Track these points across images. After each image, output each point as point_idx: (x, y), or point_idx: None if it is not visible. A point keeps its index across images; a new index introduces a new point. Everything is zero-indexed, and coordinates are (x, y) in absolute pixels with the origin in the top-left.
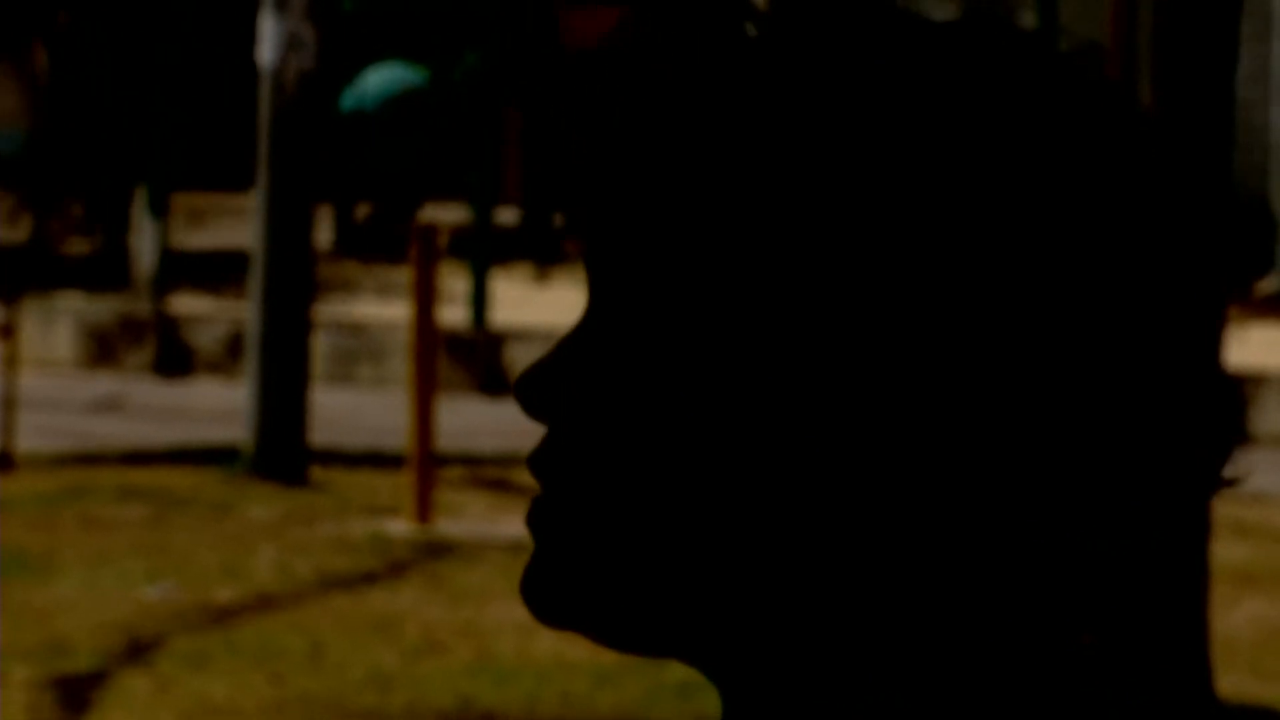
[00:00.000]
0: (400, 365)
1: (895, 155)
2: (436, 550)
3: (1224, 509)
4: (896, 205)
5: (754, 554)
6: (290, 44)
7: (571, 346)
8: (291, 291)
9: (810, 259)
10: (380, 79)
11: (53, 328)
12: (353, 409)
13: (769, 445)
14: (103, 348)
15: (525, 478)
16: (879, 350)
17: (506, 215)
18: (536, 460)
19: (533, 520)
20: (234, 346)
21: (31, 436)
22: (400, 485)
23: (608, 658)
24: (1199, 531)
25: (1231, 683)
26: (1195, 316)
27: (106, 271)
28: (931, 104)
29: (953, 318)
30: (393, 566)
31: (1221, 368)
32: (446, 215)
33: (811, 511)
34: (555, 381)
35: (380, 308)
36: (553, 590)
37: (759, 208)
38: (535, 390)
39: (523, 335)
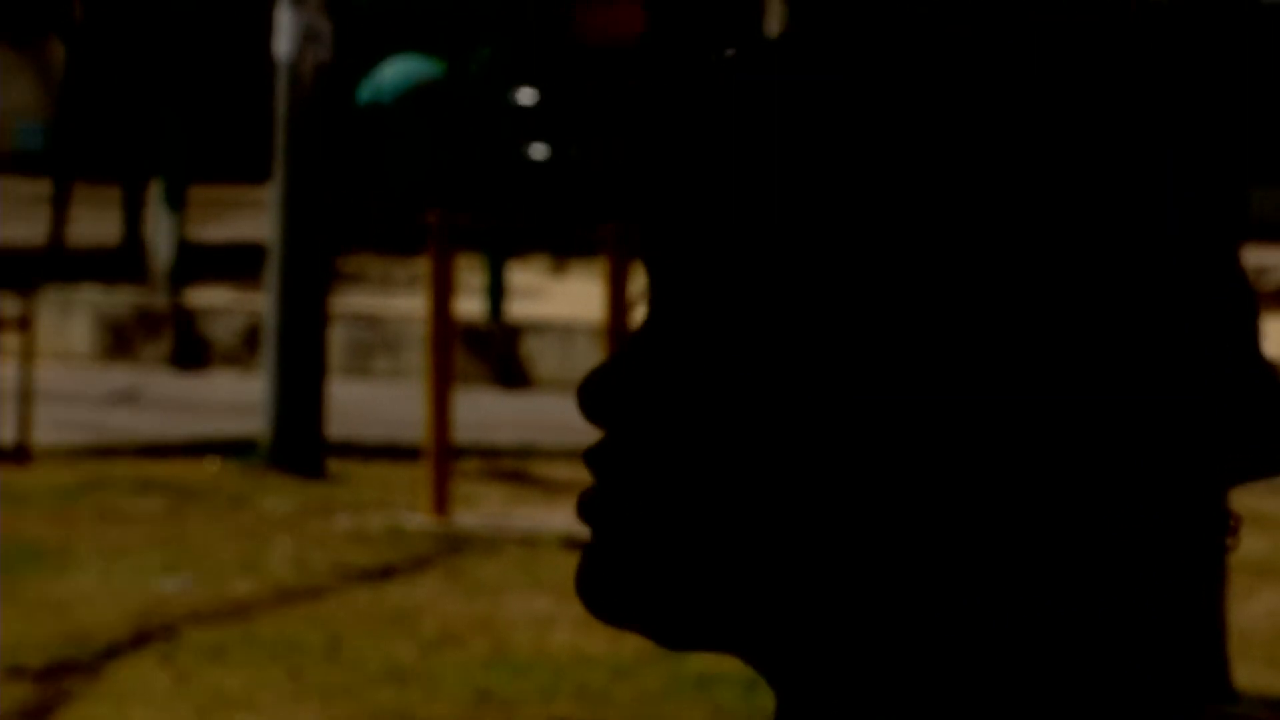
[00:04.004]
0: (417, 357)
1: (931, 143)
2: (453, 543)
3: (1242, 499)
4: (944, 188)
5: (812, 546)
6: (307, 36)
7: (633, 351)
8: (308, 284)
9: (864, 247)
10: (396, 72)
11: (70, 320)
12: (369, 401)
13: (827, 436)
14: (120, 340)
15: (542, 470)
16: (937, 336)
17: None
18: (594, 456)
19: (587, 514)
20: (251, 339)
21: (48, 429)
22: (417, 478)
23: (625, 650)
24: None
25: (1248, 674)
26: (1214, 291)
27: (124, 264)
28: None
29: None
30: (410, 559)
31: (1253, 357)
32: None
33: (876, 506)
34: (616, 385)
35: (397, 300)
36: (610, 587)
37: (812, 202)
38: (596, 394)
39: (539, 327)
